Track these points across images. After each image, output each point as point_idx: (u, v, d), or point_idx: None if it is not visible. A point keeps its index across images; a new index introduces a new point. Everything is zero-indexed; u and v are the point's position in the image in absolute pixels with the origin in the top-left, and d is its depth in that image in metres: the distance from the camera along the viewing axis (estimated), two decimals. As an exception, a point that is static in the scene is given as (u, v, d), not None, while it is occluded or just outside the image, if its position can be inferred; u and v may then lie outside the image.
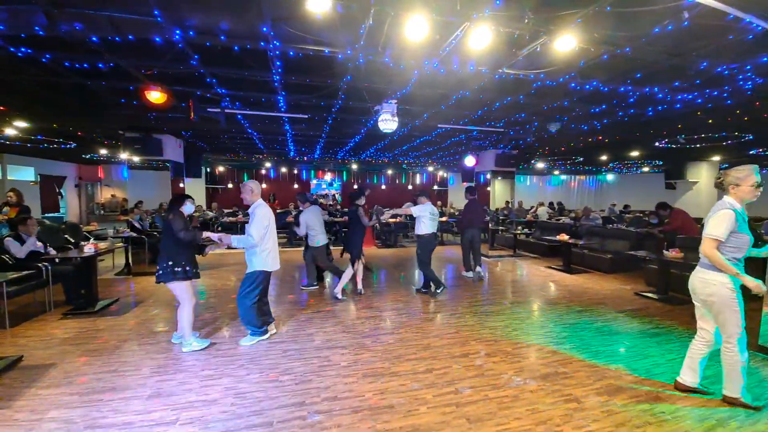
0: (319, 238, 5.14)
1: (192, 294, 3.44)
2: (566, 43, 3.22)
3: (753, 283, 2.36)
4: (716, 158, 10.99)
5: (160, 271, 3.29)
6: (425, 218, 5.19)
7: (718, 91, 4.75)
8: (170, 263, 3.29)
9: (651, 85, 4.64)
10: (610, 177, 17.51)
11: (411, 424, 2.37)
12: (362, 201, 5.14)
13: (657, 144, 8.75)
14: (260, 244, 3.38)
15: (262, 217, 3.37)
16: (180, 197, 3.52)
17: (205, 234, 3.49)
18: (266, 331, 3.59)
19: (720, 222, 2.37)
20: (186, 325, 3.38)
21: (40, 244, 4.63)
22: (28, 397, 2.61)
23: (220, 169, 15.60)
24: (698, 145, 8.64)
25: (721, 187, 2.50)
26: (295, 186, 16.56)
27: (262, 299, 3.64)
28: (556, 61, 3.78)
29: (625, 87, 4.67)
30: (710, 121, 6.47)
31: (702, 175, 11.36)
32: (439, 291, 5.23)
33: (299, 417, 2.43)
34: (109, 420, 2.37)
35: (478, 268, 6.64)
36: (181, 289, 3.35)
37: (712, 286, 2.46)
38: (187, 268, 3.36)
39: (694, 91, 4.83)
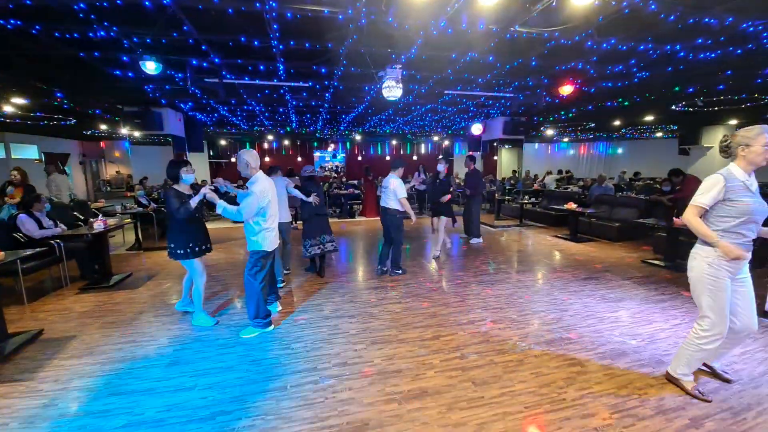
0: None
1: (202, 270, 3.42)
2: (584, -4, 2.99)
3: (728, 248, 2.12)
4: (733, 122, 10.53)
5: (168, 251, 3.32)
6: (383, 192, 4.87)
7: (741, 50, 4.46)
8: (172, 245, 3.28)
9: (672, 43, 4.35)
10: (620, 144, 17.00)
11: (419, 386, 2.46)
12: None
13: (673, 107, 8.38)
14: (259, 222, 3.13)
15: (259, 196, 3.03)
16: (175, 168, 3.27)
17: (205, 191, 3.21)
18: (269, 323, 3.30)
19: (705, 188, 2.20)
20: (196, 300, 3.43)
21: (51, 223, 4.68)
22: (51, 368, 2.74)
23: (223, 142, 15.41)
24: (716, 108, 8.26)
25: (727, 152, 2.22)
26: (299, 159, 16.38)
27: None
28: (573, 17, 3.52)
29: (644, 45, 4.39)
30: (731, 82, 6.13)
31: (717, 139, 10.95)
32: (377, 271, 4.97)
33: (311, 381, 2.53)
34: (132, 387, 2.49)
35: (464, 236, 7.10)
36: (189, 266, 3.38)
37: (693, 259, 2.31)
38: (193, 248, 3.30)
39: (717, 49, 4.54)
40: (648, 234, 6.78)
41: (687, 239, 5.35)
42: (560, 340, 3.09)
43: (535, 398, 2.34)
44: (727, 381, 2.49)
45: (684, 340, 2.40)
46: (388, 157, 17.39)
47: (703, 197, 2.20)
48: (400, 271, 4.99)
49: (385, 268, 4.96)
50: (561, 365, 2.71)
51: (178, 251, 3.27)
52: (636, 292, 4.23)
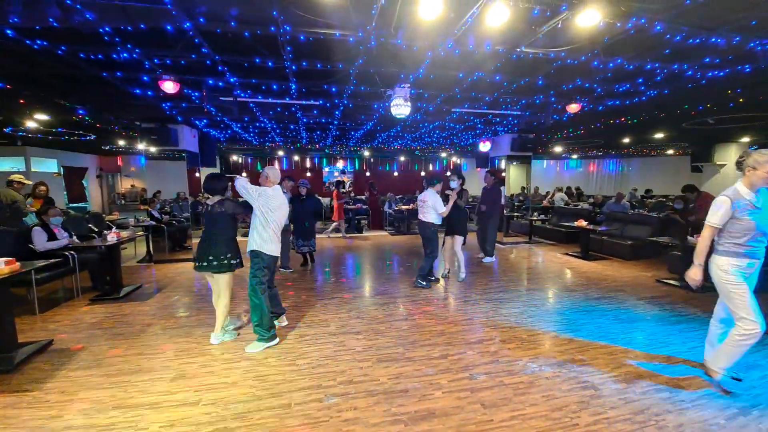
0: None
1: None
2: (590, 17, 3.04)
3: (693, 273, 2.53)
4: (746, 139, 10.40)
5: (225, 264, 3.25)
6: None
7: (750, 68, 4.46)
8: (229, 255, 3.26)
9: (680, 62, 4.37)
10: (631, 160, 16.86)
11: (426, 408, 2.39)
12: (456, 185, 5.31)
13: (684, 125, 8.33)
14: (271, 230, 3.23)
15: (267, 195, 3.22)
16: (224, 181, 3.34)
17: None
18: (274, 336, 3.29)
19: (713, 209, 2.47)
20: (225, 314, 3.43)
21: (66, 234, 4.79)
22: (59, 379, 2.75)
23: (234, 158, 15.75)
24: (728, 126, 8.19)
25: (739, 167, 2.44)
26: (308, 174, 16.62)
27: (271, 289, 3.50)
28: (578, 38, 3.58)
29: (651, 64, 4.42)
30: (741, 100, 6.10)
31: (731, 157, 10.79)
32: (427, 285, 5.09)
33: (316, 399, 2.49)
34: (136, 400, 2.48)
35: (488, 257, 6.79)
36: (229, 278, 3.35)
37: (710, 270, 2.57)
38: (238, 260, 3.36)
39: (726, 68, 4.54)
40: (662, 253, 6.62)
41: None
42: (572, 362, 2.99)
43: (547, 423, 2.25)
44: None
45: (727, 339, 2.59)
46: (396, 173, 17.51)
47: (713, 218, 2.46)
48: (424, 283, 5.02)
49: (432, 278, 5.21)
50: (574, 388, 2.62)
51: (233, 261, 3.28)
52: (651, 312, 4.10)
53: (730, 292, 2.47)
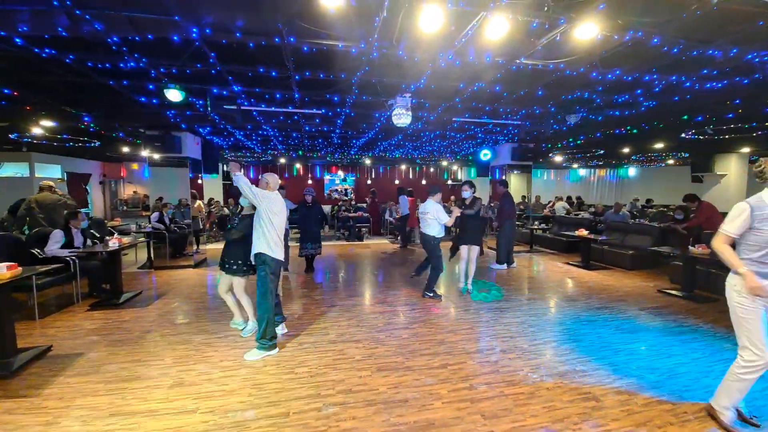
0: None
1: None
2: (588, 31, 3.10)
3: (748, 277, 2.06)
4: (745, 150, 10.45)
5: (246, 266, 3.58)
6: None
7: (748, 80, 4.52)
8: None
9: (678, 74, 4.43)
10: (632, 170, 16.90)
11: (425, 418, 2.37)
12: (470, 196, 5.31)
13: (683, 135, 8.38)
14: (274, 234, 3.24)
15: (270, 198, 3.24)
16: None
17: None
18: (274, 346, 3.27)
19: (731, 216, 2.18)
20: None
21: (81, 240, 4.85)
22: (57, 386, 2.74)
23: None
24: (727, 137, 8.24)
25: (761, 177, 2.21)
26: (309, 182, 16.70)
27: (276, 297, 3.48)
28: (577, 50, 3.64)
29: (650, 76, 4.48)
30: (740, 111, 6.15)
31: (731, 167, 10.83)
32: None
33: (315, 408, 2.47)
34: (134, 408, 2.47)
35: (506, 264, 6.87)
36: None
37: (726, 289, 2.26)
38: None
39: (723, 80, 4.60)
40: (663, 263, 6.60)
41: (704, 268, 5.20)
42: (574, 372, 2.96)
43: (547, 434, 2.23)
44: (756, 425, 2.32)
45: (727, 373, 2.30)
46: (397, 181, 17.58)
47: (729, 225, 2.18)
48: (431, 294, 4.90)
49: (413, 274, 5.54)
50: (575, 399, 2.59)
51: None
52: (653, 323, 4.08)
53: (738, 316, 2.18)
